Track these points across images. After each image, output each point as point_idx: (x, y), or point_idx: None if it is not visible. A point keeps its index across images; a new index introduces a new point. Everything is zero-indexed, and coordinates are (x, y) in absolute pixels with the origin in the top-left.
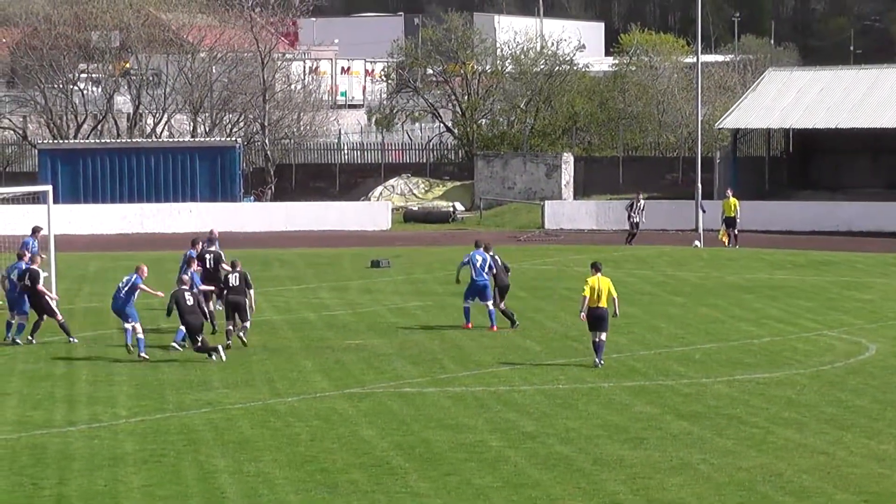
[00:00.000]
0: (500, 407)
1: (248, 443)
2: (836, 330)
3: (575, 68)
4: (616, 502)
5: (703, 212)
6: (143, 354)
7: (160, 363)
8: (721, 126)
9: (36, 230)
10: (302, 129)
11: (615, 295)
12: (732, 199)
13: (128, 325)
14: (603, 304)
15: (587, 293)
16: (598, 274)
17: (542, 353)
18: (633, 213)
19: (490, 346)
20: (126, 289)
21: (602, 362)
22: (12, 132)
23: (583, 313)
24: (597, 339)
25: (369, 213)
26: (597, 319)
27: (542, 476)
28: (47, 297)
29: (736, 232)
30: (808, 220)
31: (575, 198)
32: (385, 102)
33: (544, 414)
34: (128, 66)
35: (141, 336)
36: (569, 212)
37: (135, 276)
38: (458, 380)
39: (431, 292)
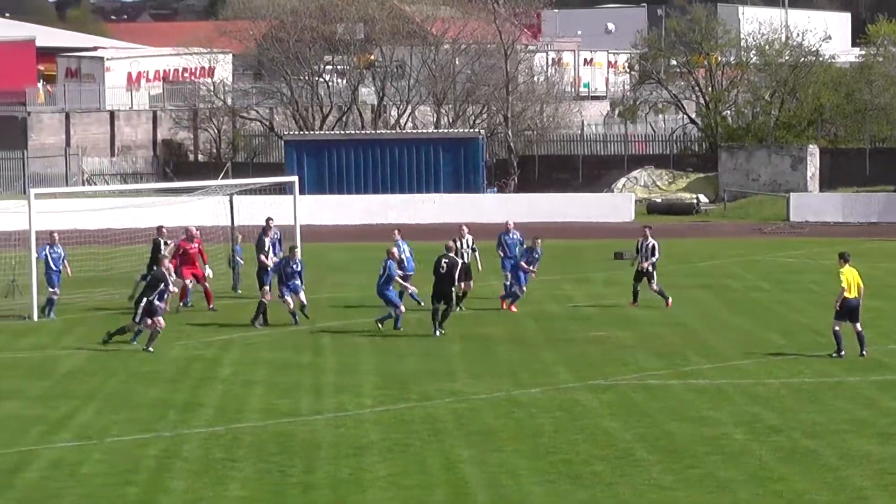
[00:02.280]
0: (744, 400)
1: (492, 433)
2: None
3: (821, 59)
4: (862, 498)
5: None
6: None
7: (404, 354)
8: None
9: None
10: (545, 120)
11: (862, 286)
12: None
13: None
14: (856, 294)
15: (846, 284)
16: (847, 264)
17: (786, 345)
18: None
19: (733, 339)
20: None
21: (866, 353)
22: (259, 124)
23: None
24: (857, 331)
25: (612, 205)
26: (851, 310)
27: (786, 470)
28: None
29: None
30: None
31: (820, 190)
32: (628, 94)
33: (789, 408)
34: (372, 58)
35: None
36: (814, 204)
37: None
38: (702, 372)
39: (675, 285)
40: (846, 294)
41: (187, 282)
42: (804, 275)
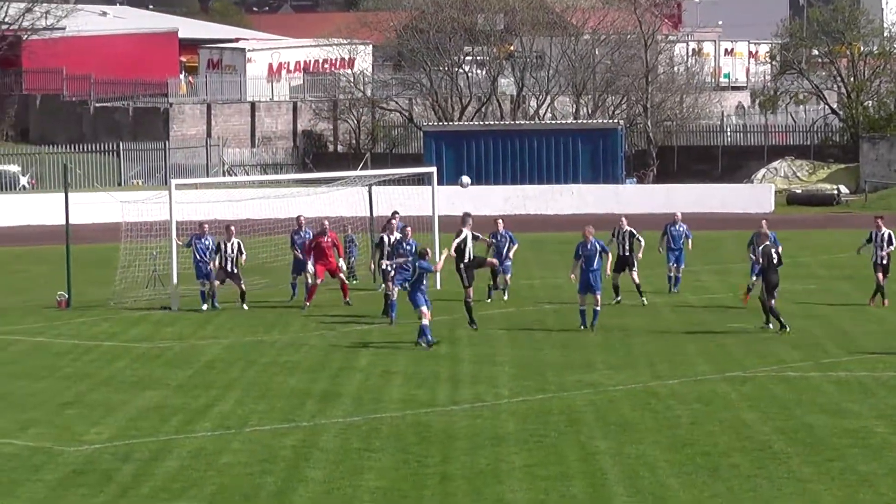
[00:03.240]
0: (886, 393)
1: (629, 425)
2: None
3: None
4: None
5: None
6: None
7: (542, 345)
8: None
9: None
10: (685, 111)
11: None
12: None
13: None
14: None
15: None
16: None
17: None
18: None
19: (874, 331)
20: None
21: None
22: (399, 115)
23: None
24: None
25: (752, 196)
26: None
27: None
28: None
29: None
30: None
31: None
32: (769, 84)
33: None
34: (512, 48)
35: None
36: None
37: None
38: (842, 364)
39: (815, 276)
40: None
41: (319, 281)
42: None
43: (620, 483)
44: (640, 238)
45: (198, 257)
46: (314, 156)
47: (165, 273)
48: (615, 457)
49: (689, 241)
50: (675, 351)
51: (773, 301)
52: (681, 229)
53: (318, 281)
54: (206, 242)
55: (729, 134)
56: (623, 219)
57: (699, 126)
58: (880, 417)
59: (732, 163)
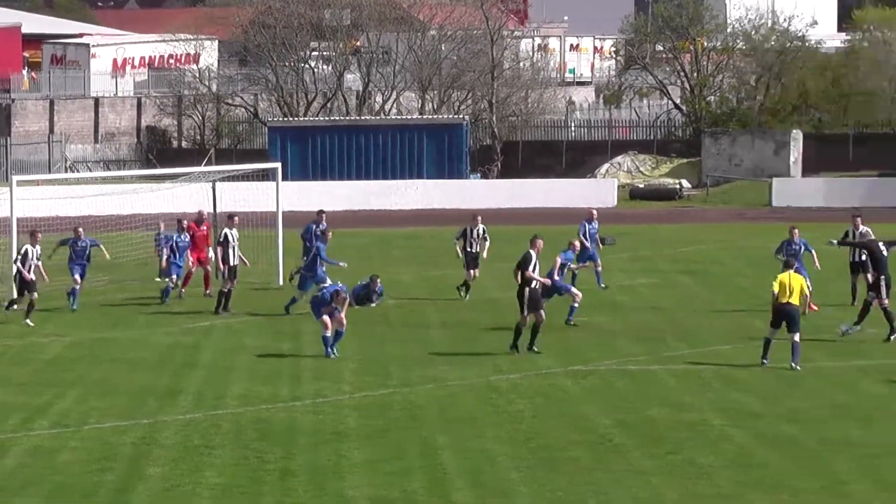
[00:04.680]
0: (724, 386)
1: (471, 419)
2: None
3: (806, 45)
4: (842, 483)
5: None
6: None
7: (385, 340)
8: None
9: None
10: (529, 106)
11: (807, 293)
12: None
13: None
14: (794, 301)
15: (776, 289)
16: (791, 271)
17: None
18: None
19: (715, 324)
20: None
21: (797, 366)
22: (244, 110)
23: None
24: (794, 341)
25: (596, 191)
26: (785, 316)
27: (766, 456)
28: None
29: None
30: None
31: (803, 175)
32: (613, 79)
33: (769, 393)
34: (358, 44)
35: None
36: (797, 189)
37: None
38: (683, 358)
39: (658, 270)
40: (778, 298)
41: (192, 269)
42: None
43: (461, 477)
44: (488, 238)
45: (73, 258)
46: (158, 152)
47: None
48: (456, 451)
49: (598, 237)
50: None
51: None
52: (595, 226)
53: (193, 269)
54: (84, 243)
55: (573, 129)
56: (479, 217)
57: (544, 121)
58: (718, 410)
59: (576, 158)
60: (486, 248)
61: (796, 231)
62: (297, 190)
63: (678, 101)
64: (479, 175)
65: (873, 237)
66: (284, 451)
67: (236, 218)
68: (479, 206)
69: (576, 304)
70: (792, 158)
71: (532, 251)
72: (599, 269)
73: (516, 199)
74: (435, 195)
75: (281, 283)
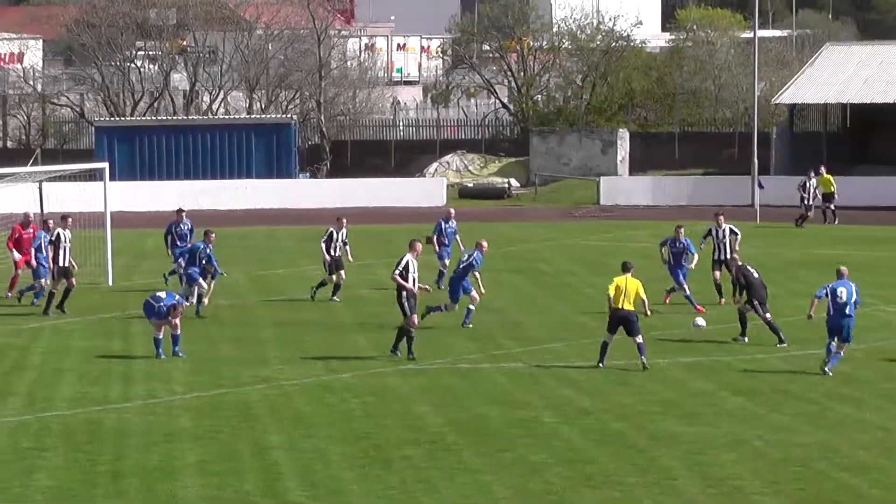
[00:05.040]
0: (555, 383)
1: (303, 419)
2: (894, 306)
3: (632, 44)
4: (671, 478)
5: (761, 187)
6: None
7: (217, 340)
8: (778, 101)
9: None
10: (358, 106)
11: (644, 296)
12: (827, 176)
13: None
14: (629, 305)
15: (612, 292)
16: (628, 274)
17: (597, 329)
18: (805, 193)
19: (545, 322)
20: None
21: (648, 362)
22: (70, 110)
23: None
24: (638, 342)
25: (424, 190)
26: (621, 320)
27: (596, 452)
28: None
29: (833, 207)
30: (867, 196)
31: (630, 174)
32: (441, 79)
33: (598, 390)
34: (185, 43)
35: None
36: (624, 187)
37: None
38: (514, 356)
39: (488, 269)
40: (612, 303)
41: (20, 271)
42: (615, 258)
43: (294, 477)
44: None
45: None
46: None
47: None
48: (289, 451)
49: (457, 236)
50: (348, 345)
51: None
52: (453, 226)
53: (20, 271)
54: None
55: (401, 128)
56: (344, 219)
57: (372, 121)
58: (549, 407)
59: (405, 157)
60: (348, 250)
61: (682, 230)
62: (125, 190)
63: (506, 101)
64: (308, 175)
65: (737, 233)
66: (116, 453)
67: (70, 219)
68: (308, 205)
69: (472, 307)
70: (619, 157)
71: (410, 255)
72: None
73: (346, 199)
74: (264, 195)
75: (110, 283)
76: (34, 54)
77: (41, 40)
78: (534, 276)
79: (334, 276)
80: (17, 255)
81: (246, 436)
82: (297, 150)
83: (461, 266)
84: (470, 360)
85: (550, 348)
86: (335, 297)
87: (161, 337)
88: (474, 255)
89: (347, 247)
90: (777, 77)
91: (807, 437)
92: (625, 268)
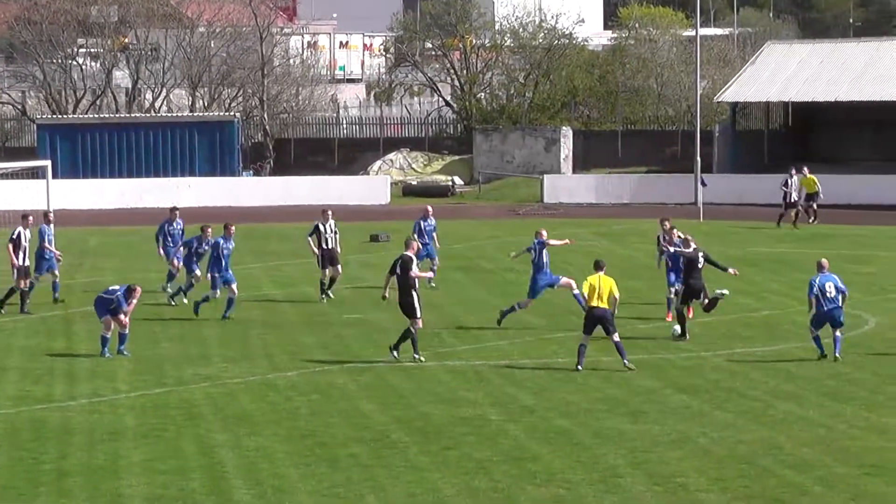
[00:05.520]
0: (500, 381)
1: (248, 417)
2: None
3: (574, 42)
4: (616, 476)
5: (704, 185)
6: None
7: (160, 339)
8: (720, 99)
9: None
10: (300, 103)
11: (616, 295)
12: (811, 176)
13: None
14: (604, 304)
15: (585, 291)
16: (601, 273)
17: (541, 327)
18: (788, 190)
19: (489, 320)
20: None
21: (630, 365)
22: (11, 107)
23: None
24: (615, 341)
25: (368, 188)
26: (598, 320)
27: (541, 450)
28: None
29: (815, 207)
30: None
31: (574, 172)
32: (384, 77)
33: (543, 388)
34: (126, 40)
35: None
36: (568, 185)
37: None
38: (457, 354)
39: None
40: (590, 303)
41: None
42: (558, 256)
43: (239, 476)
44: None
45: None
46: None
47: None
48: (234, 449)
49: (435, 233)
50: (293, 342)
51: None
52: (432, 223)
53: None
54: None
55: (345, 126)
56: (330, 212)
57: (315, 118)
58: (495, 405)
59: (349, 155)
60: (339, 241)
61: (668, 223)
62: (67, 188)
63: (449, 99)
64: (251, 172)
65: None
66: (60, 452)
67: (30, 218)
68: (251, 203)
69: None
70: (562, 155)
71: (410, 253)
72: (434, 266)
73: (289, 197)
74: (208, 193)
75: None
76: None
77: None
78: (478, 273)
79: (328, 271)
80: None
81: (190, 434)
82: (241, 148)
83: (536, 261)
84: (414, 358)
85: (494, 346)
86: (328, 294)
87: (108, 336)
88: (535, 244)
89: (338, 236)
90: (719, 75)
91: (750, 434)
92: (598, 266)
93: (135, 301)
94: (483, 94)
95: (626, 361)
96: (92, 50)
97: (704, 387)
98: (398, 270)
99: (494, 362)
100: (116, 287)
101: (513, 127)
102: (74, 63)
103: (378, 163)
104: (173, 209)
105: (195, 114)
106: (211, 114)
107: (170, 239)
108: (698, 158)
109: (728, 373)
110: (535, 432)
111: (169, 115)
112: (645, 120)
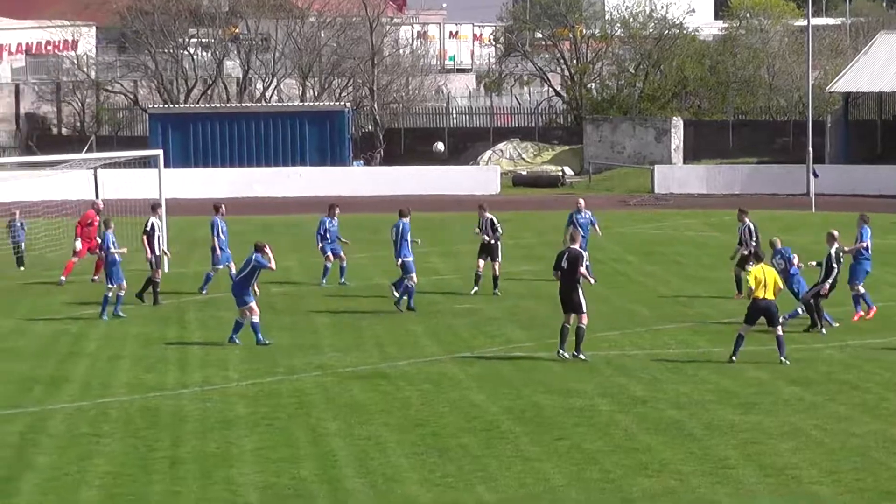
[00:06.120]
0: (611, 371)
1: (359, 406)
2: None
3: (684, 32)
4: (727, 467)
5: (816, 176)
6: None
7: (271, 328)
8: (832, 90)
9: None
10: (410, 93)
11: (781, 286)
12: None
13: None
14: (769, 295)
15: (752, 284)
16: (762, 264)
17: (651, 317)
18: None
19: (600, 311)
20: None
21: (786, 360)
22: (123, 97)
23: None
24: (778, 334)
25: (478, 178)
26: (762, 311)
27: (652, 441)
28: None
29: None
30: None
31: (684, 162)
32: (494, 67)
33: (655, 379)
34: (237, 30)
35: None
36: (678, 176)
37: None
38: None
39: (541, 257)
40: (755, 294)
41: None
42: (669, 246)
43: (350, 464)
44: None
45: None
46: (38, 139)
47: None
48: (345, 438)
49: (597, 227)
50: (403, 332)
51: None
52: (586, 216)
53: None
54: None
55: (455, 116)
56: (485, 205)
57: (425, 108)
58: (605, 395)
59: (459, 145)
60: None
61: (778, 241)
62: (179, 177)
63: (559, 89)
64: (361, 162)
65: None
66: (173, 439)
67: (161, 208)
68: (362, 193)
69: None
70: (673, 145)
71: (576, 246)
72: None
73: (399, 186)
74: (318, 182)
75: (166, 269)
76: (88, 41)
77: (94, 27)
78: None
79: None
80: (78, 245)
81: (302, 423)
82: (351, 138)
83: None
84: (524, 348)
85: (605, 337)
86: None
87: (244, 322)
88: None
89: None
90: (831, 65)
91: (864, 426)
92: (758, 257)
93: (270, 253)
94: (593, 83)
95: (782, 357)
96: (203, 40)
97: (817, 379)
98: (564, 265)
99: (605, 353)
100: (242, 267)
101: (623, 117)
102: (186, 53)
103: (488, 153)
104: (332, 206)
105: (305, 103)
106: (321, 103)
107: (328, 235)
108: (810, 149)
109: (841, 365)
110: (646, 423)
111: (279, 104)
112: (756, 110)
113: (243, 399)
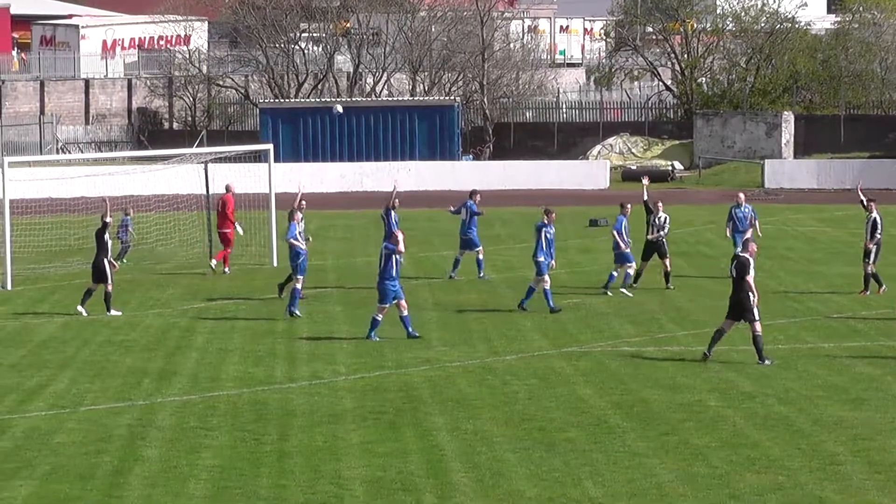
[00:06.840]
0: (719, 367)
1: (466, 401)
2: None
3: (797, 26)
4: (836, 463)
5: None
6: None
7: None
8: None
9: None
10: (521, 87)
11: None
12: None
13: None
14: None
15: None
16: None
17: (763, 312)
18: None
19: (709, 305)
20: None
21: None
22: (235, 91)
23: None
24: None
25: (588, 172)
26: None
27: (760, 436)
28: None
29: None
30: None
31: (795, 157)
32: (604, 61)
33: (763, 374)
34: (348, 25)
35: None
36: (789, 171)
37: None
38: (677, 339)
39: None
40: None
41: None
42: (779, 241)
43: (458, 458)
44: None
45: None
46: (149, 133)
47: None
48: (452, 432)
49: (757, 222)
50: (511, 327)
51: None
52: (746, 211)
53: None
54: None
55: (564, 111)
56: (660, 203)
57: (535, 103)
58: (713, 391)
59: (568, 139)
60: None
61: None
62: (288, 171)
63: (669, 83)
64: (471, 156)
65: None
66: (280, 433)
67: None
68: (472, 187)
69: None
70: (784, 140)
71: (748, 255)
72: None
73: (509, 181)
74: (427, 176)
75: (275, 263)
76: (200, 36)
77: (207, 22)
78: (696, 259)
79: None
80: (240, 230)
81: (409, 417)
82: (461, 132)
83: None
84: (632, 342)
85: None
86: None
87: (380, 319)
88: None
89: (664, 230)
90: None
91: None
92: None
93: (400, 236)
94: (704, 78)
95: None
96: (314, 34)
97: None
98: (733, 272)
99: (714, 348)
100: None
101: (734, 111)
102: (297, 47)
103: (598, 147)
104: (473, 192)
105: (415, 98)
106: (431, 98)
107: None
108: None
109: None
110: (755, 419)
111: (390, 99)
112: (868, 104)
113: (351, 393)
